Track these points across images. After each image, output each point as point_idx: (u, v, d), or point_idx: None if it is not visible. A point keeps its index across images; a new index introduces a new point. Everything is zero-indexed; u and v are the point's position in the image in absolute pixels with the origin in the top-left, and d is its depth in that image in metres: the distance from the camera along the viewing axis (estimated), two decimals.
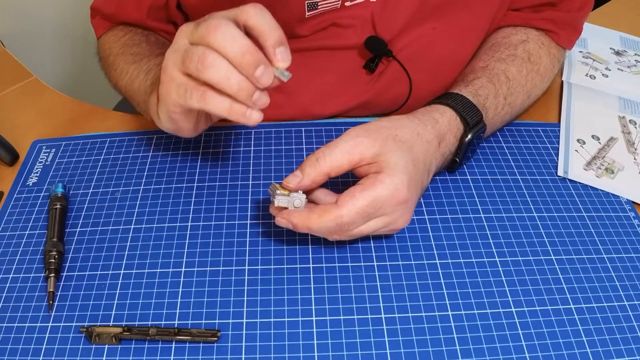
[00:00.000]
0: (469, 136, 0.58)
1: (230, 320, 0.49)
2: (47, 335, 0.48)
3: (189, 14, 0.70)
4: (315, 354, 0.47)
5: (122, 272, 0.53)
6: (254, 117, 0.48)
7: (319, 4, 0.63)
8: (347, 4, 0.64)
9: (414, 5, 0.64)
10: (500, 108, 0.63)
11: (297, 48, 0.66)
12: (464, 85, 0.62)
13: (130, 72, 0.65)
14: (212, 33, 0.46)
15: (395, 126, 0.54)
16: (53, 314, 0.50)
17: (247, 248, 0.55)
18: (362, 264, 0.53)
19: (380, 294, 0.51)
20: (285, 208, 0.51)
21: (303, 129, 0.68)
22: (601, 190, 0.61)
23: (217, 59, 0.46)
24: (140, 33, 0.71)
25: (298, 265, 0.53)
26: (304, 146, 0.65)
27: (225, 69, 0.46)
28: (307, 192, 0.52)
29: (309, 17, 0.64)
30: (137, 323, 0.49)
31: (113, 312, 0.50)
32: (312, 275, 0.52)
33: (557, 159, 0.64)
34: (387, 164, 0.50)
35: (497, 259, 0.54)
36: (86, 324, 0.49)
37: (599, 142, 0.66)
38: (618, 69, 0.79)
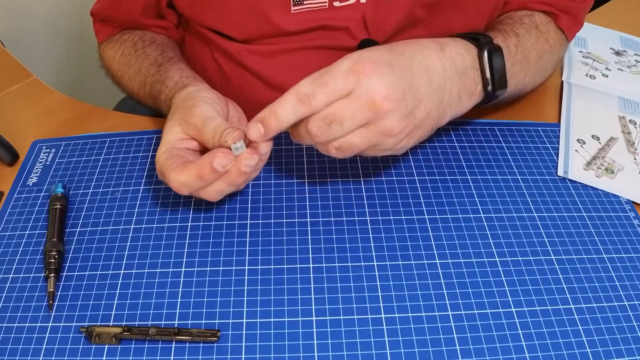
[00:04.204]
0: (485, 50, 0.55)
1: (230, 320, 0.49)
2: (47, 335, 0.48)
3: (182, 13, 0.71)
4: (315, 354, 0.47)
5: (122, 272, 0.53)
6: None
7: (304, 1, 0.63)
8: (336, 4, 0.63)
9: (407, 6, 0.64)
10: (513, 52, 0.61)
11: (289, 48, 0.66)
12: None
13: (141, 98, 0.70)
14: (166, 181, 0.52)
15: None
16: (53, 314, 0.50)
17: (247, 248, 0.55)
18: (362, 264, 0.53)
19: (380, 294, 0.51)
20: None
21: None
22: (601, 190, 0.61)
23: (206, 190, 0.52)
24: (130, 43, 0.72)
25: (298, 265, 0.53)
26: (304, 146, 0.64)
27: (216, 186, 0.51)
28: None
29: (296, 13, 0.64)
30: (137, 323, 0.49)
31: (113, 312, 0.50)
32: (312, 275, 0.52)
33: (557, 159, 0.64)
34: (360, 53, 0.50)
35: (497, 259, 0.54)
36: (86, 324, 0.49)
37: (599, 142, 0.66)
38: (618, 69, 0.79)
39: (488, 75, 0.56)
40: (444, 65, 0.53)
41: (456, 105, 0.55)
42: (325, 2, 0.63)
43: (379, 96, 0.48)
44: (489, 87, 0.56)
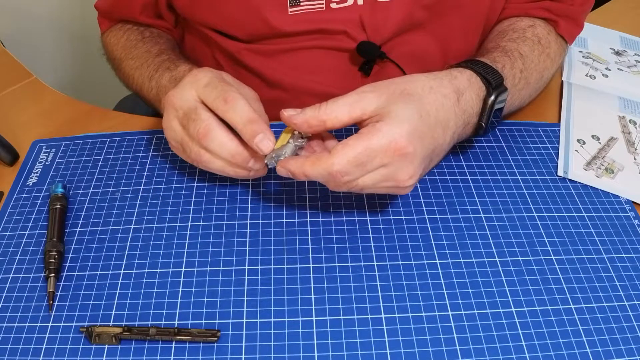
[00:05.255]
0: (493, 97, 0.56)
1: (230, 320, 0.49)
2: (47, 335, 0.48)
3: (181, 14, 0.71)
4: (315, 354, 0.47)
5: (122, 272, 0.53)
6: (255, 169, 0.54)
7: (301, 2, 0.63)
8: (333, 5, 0.63)
9: (406, 8, 0.64)
10: (517, 80, 0.62)
11: (289, 48, 0.66)
12: (480, 56, 0.61)
13: (135, 79, 0.69)
14: (202, 140, 0.51)
15: (406, 81, 0.52)
16: (53, 314, 0.50)
17: (247, 248, 0.55)
18: (362, 264, 0.53)
19: (380, 294, 0.51)
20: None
21: None
22: (601, 190, 0.61)
23: (212, 160, 0.53)
24: (136, 31, 0.73)
25: (298, 265, 0.53)
26: None
27: (220, 164, 0.53)
28: (317, 140, 0.54)
29: (293, 14, 0.64)
30: (137, 323, 0.49)
31: (113, 312, 0.50)
32: (312, 275, 0.52)
33: (557, 159, 0.64)
34: (388, 114, 0.49)
35: (497, 259, 0.54)
36: (86, 324, 0.49)
37: (599, 142, 0.66)
38: (618, 69, 0.79)
39: (484, 121, 0.57)
40: (456, 119, 0.54)
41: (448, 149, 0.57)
42: (322, 4, 0.63)
43: (406, 176, 0.50)
44: (481, 132, 0.58)
